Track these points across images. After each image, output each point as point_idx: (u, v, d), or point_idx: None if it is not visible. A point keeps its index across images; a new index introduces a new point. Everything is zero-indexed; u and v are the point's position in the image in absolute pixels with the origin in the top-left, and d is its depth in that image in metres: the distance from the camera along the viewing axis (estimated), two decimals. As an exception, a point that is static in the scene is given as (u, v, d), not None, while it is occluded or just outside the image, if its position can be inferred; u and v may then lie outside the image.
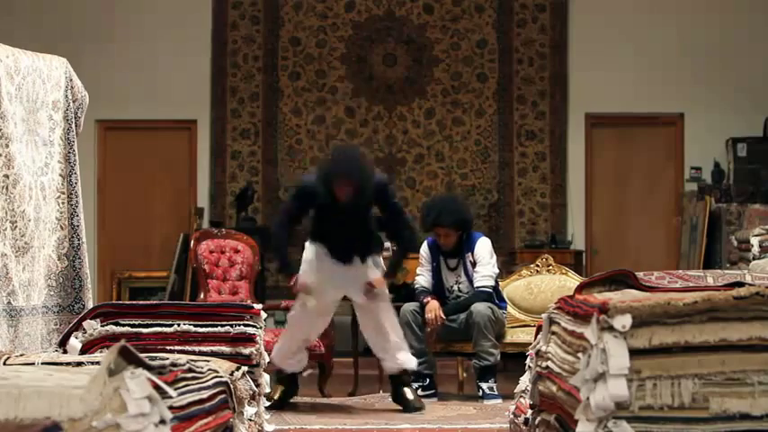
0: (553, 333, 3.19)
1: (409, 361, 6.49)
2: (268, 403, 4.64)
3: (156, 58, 10.83)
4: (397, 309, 7.35)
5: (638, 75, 10.86)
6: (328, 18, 11.03)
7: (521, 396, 4.13)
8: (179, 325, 4.16)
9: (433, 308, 7.01)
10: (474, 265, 7.15)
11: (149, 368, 2.47)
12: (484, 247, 7.18)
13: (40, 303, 4.69)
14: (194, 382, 2.90)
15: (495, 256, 7.26)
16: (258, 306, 4.32)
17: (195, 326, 4.17)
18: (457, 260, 7.22)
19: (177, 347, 4.11)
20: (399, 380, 6.49)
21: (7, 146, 4.49)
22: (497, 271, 7.25)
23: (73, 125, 4.97)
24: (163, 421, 2.42)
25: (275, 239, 6.43)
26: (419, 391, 7.08)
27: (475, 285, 7.12)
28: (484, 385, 6.98)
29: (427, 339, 7.15)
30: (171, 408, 2.55)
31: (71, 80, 4.99)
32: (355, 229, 6.32)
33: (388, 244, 6.84)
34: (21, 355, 3.46)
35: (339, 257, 6.33)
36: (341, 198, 6.12)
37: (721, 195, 10.16)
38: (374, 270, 6.41)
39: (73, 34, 10.56)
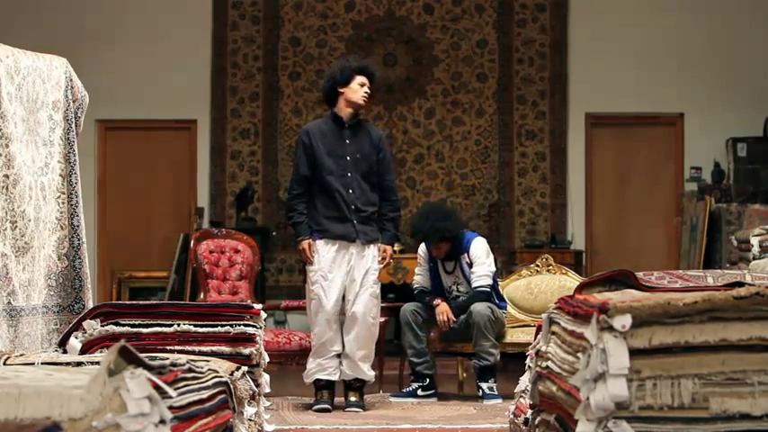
0: (553, 333, 3.19)
1: (369, 372, 6.48)
2: (268, 403, 4.64)
3: (156, 58, 10.83)
4: (397, 309, 7.36)
5: (638, 75, 10.87)
6: (328, 18, 11.03)
7: (521, 396, 4.12)
8: (179, 325, 4.16)
9: (444, 310, 7.04)
10: (470, 265, 7.16)
11: (149, 368, 2.47)
12: (479, 248, 7.19)
13: (40, 303, 4.69)
14: (194, 382, 2.90)
15: (491, 255, 7.26)
16: (258, 306, 4.32)
17: (195, 326, 4.17)
18: (453, 262, 7.23)
19: (177, 347, 4.11)
20: (350, 386, 6.50)
21: (7, 146, 4.49)
22: (494, 269, 7.25)
23: (73, 125, 4.97)
24: (163, 421, 2.42)
25: (288, 209, 6.51)
26: (419, 392, 7.09)
27: (473, 286, 7.13)
28: (484, 385, 6.99)
29: (433, 341, 7.16)
30: (171, 408, 2.54)
31: (71, 80, 4.99)
32: (359, 184, 6.34)
33: None
34: (21, 355, 3.46)
35: (348, 231, 6.31)
36: (359, 103, 6.33)
37: (721, 195, 10.16)
38: (376, 261, 6.41)
39: (73, 34, 10.56)
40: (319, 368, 6.39)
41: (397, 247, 8.17)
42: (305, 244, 6.35)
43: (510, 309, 7.50)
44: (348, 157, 6.37)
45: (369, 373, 6.47)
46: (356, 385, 6.48)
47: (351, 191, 6.35)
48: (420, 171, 10.97)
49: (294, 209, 6.44)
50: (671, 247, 10.82)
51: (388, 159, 6.61)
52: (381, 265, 6.50)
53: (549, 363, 3.15)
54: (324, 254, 6.34)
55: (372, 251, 6.42)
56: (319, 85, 10.95)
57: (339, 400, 6.55)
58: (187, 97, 10.91)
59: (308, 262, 6.36)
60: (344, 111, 6.42)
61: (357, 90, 6.38)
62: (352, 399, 6.46)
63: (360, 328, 6.36)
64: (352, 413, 6.30)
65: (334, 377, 6.43)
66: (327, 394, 6.45)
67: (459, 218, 7.51)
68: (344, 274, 6.34)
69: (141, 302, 4.54)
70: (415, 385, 7.12)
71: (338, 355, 6.41)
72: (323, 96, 6.63)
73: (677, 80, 10.86)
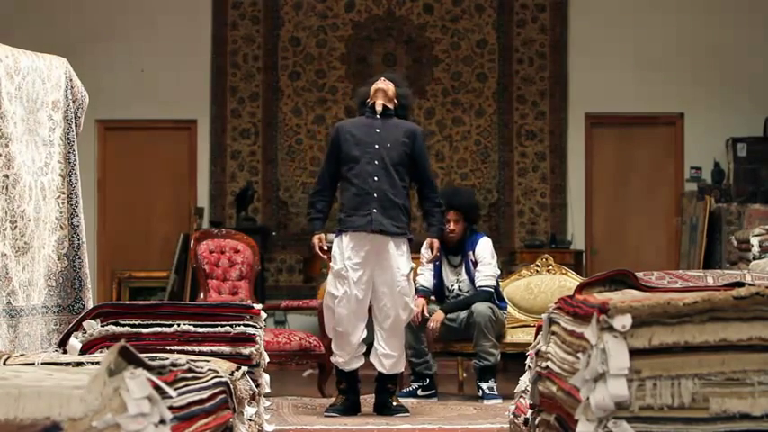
0: (553, 333, 3.19)
1: (399, 368, 6.39)
2: (268, 403, 4.64)
3: (156, 58, 10.83)
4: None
5: (638, 75, 10.87)
6: (328, 18, 11.03)
7: (521, 396, 4.13)
8: (179, 325, 4.17)
9: (437, 318, 7.07)
10: (475, 264, 7.18)
11: (149, 368, 2.47)
12: (485, 248, 7.21)
13: (40, 303, 4.69)
14: (194, 382, 2.90)
15: (495, 257, 7.30)
16: (258, 306, 4.32)
17: (195, 326, 4.17)
18: (460, 258, 7.25)
19: (177, 347, 4.11)
20: (384, 388, 6.36)
21: (7, 146, 4.49)
22: (498, 271, 7.30)
23: (73, 125, 4.97)
24: (163, 421, 2.42)
25: (308, 205, 6.52)
26: (419, 392, 7.09)
27: (477, 285, 7.15)
28: (484, 385, 6.99)
29: (429, 340, 7.16)
30: (171, 408, 2.55)
31: (71, 80, 4.99)
32: (386, 173, 6.20)
33: (425, 251, 6.70)
34: (21, 355, 3.46)
35: (365, 221, 6.15)
36: (378, 86, 6.32)
37: (721, 195, 10.16)
38: (403, 258, 6.23)
39: (73, 34, 10.56)
40: (339, 359, 6.28)
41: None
42: (315, 239, 6.30)
43: (510, 309, 7.51)
44: (377, 146, 6.22)
45: (402, 365, 6.40)
46: (392, 389, 6.37)
47: (376, 178, 6.17)
48: (420, 171, 10.97)
49: (312, 206, 6.42)
50: (671, 247, 10.82)
51: (422, 153, 6.38)
52: (431, 257, 6.43)
53: (549, 363, 3.15)
54: (345, 248, 6.18)
55: (397, 245, 6.21)
56: (319, 84, 11.00)
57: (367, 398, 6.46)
58: (187, 97, 10.91)
59: (318, 256, 6.34)
60: (375, 99, 6.36)
61: (375, 83, 6.39)
62: (394, 404, 6.33)
63: (392, 321, 6.21)
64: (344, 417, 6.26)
65: (356, 365, 6.27)
66: (344, 399, 6.29)
67: (476, 199, 7.56)
68: (368, 274, 6.18)
69: (141, 302, 4.54)
70: (414, 385, 7.13)
71: (360, 345, 6.25)
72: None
73: (677, 80, 10.86)
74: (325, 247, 6.29)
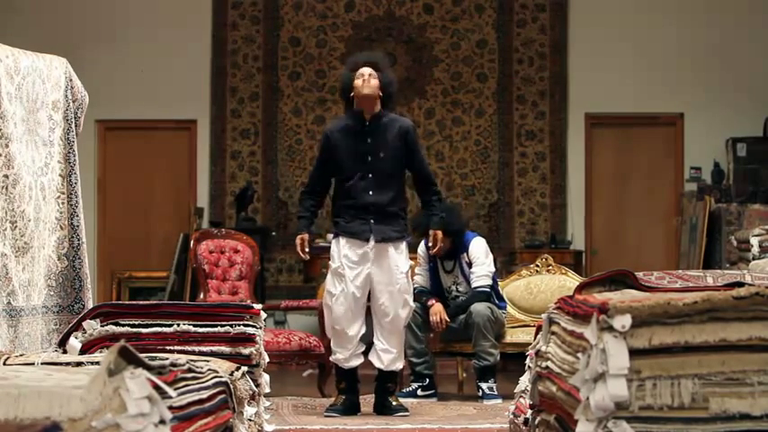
0: (553, 333, 3.19)
1: (398, 365, 6.37)
2: (268, 403, 4.64)
3: (156, 58, 10.83)
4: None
5: (638, 75, 10.87)
6: (328, 18, 11.03)
7: (520, 396, 4.13)
8: (179, 325, 4.17)
9: (438, 311, 7.03)
10: (470, 265, 7.16)
11: (149, 368, 2.47)
12: (478, 247, 7.18)
13: (40, 303, 4.69)
14: (194, 382, 2.90)
15: (490, 255, 7.26)
16: (258, 306, 4.32)
17: (195, 326, 4.17)
18: (453, 262, 7.23)
19: (177, 347, 4.11)
20: (384, 387, 6.35)
21: (7, 146, 4.49)
22: (494, 269, 7.25)
23: (73, 125, 4.97)
24: (163, 421, 2.42)
25: (298, 203, 6.57)
26: (419, 392, 7.09)
27: (472, 286, 7.14)
28: (484, 385, 6.99)
29: (432, 342, 7.15)
30: (171, 408, 2.54)
31: (71, 80, 4.99)
32: (381, 184, 6.18)
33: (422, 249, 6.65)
34: (21, 355, 3.46)
35: (363, 229, 6.15)
36: (363, 93, 6.14)
37: (721, 195, 10.16)
38: (402, 257, 6.21)
39: (73, 34, 10.56)
40: (339, 356, 6.25)
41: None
42: (298, 239, 6.27)
43: (510, 309, 7.51)
44: (370, 157, 6.18)
45: (400, 363, 6.36)
46: (391, 388, 6.36)
47: (370, 192, 6.17)
48: (420, 171, 10.96)
49: (301, 204, 6.46)
50: (671, 247, 10.82)
51: (416, 149, 6.34)
52: (435, 251, 6.41)
53: (549, 363, 3.15)
54: (341, 250, 6.19)
55: (396, 245, 6.20)
56: (319, 84, 11.00)
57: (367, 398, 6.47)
58: (187, 97, 10.91)
59: (299, 257, 6.32)
60: (362, 107, 6.24)
61: (359, 85, 6.17)
62: (394, 403, 6.31)
63: (390, 319, 6.19)
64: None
65: (356, 363, 6.26)
66: (344, 399, 6.29)
67: (461, 214, 7.46)
68: (365, 273, 6.16)
69: (141, 302, 4.54)
70: (414, 385, 7.13)
71: (359, 343, 6.24)
72: (345, 107, 6.53)
73: (677, 80, 10.86)
74: (307, 248, 6.26)
